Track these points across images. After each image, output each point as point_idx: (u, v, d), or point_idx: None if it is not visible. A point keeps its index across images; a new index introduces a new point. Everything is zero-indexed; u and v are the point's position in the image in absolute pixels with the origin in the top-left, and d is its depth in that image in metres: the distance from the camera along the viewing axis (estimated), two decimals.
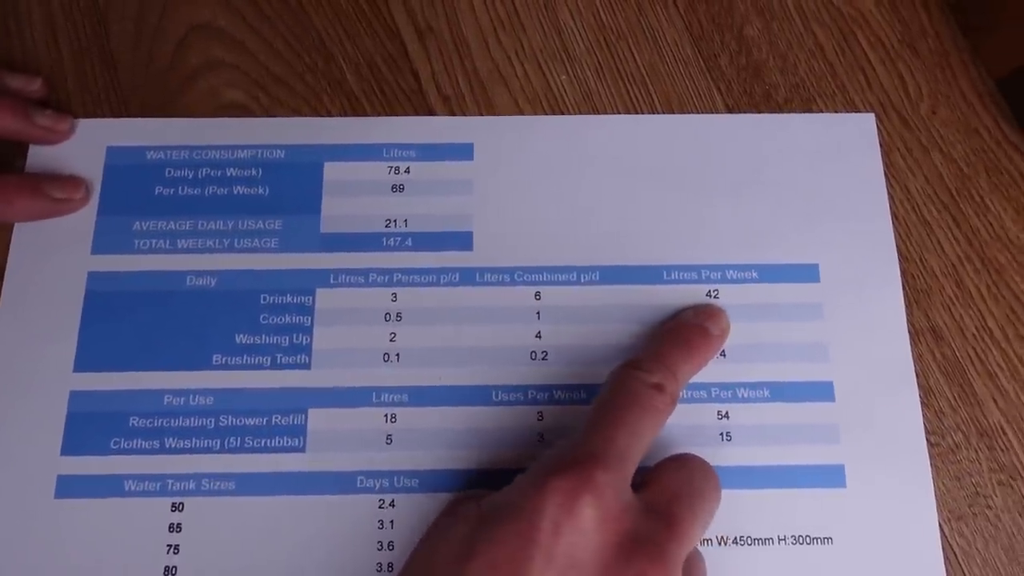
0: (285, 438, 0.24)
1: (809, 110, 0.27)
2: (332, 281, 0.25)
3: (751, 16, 0.29)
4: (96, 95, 0.27)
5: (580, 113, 0.27)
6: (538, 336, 0.25)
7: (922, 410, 0.24)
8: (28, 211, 0.25)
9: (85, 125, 0.27)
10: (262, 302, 0.25)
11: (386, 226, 0.26)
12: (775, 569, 0.22)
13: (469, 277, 0.25)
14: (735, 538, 0.23)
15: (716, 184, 0.26)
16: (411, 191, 0.26)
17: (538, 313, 0.25)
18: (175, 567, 0.22)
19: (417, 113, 0.27)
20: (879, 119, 0.27)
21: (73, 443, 0.23)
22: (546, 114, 0.27)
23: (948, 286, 0.26)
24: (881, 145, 0.27)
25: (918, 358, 0.25)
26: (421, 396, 0.24)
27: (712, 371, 0.24)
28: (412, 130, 0.27)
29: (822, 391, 0.24)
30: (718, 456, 0.23)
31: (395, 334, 0.25)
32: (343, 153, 0.27)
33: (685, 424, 0.24)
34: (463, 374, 0.24)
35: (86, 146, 0.27)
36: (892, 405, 0.24)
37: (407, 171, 0.27)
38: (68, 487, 0.23)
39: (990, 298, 0.26)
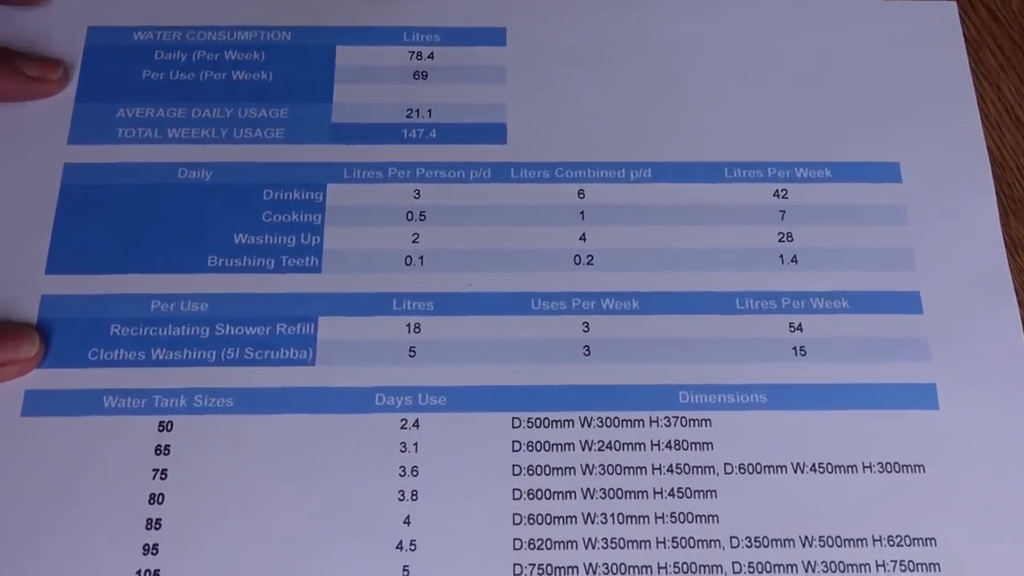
0: (292, 349, 0.20)
1: None
2: (345, 176, 0.22)
3: None
4: None
5: None
6: (582, 238, 0.21)
7: (1022, 327, 0.21)
8: None
9: (63, 2, 0.23)
10: (265, 198, 0.22)
11: (407, 116, 0.23)
12: (859, 500, 0.19)
13: (503, 173, 0.22)
14: (813, 465, 0.20)
15: (784, 74, 0.23)
16: (435, 78, 0.23)
17: (582, 213, 0.22)
18: (162, 494, 0.19)
19: None
20: (964, 12, 0.24)
21: (44, 354, 0.20)
22: None
23: None
24: (969, 41, 0.24)
25: (1016, 272, 0.22)
26: (448, 304, 0.21)
27: (783, 278, 0.21)
28: (437, 11, 0.24)
29: (908, 302, 0.21)
30: (792, 374, 0.20)
31: (418, 235, 0.21)
32: (358, 36, 0.23)
33: (753, 337, 0.21)
34: (496, 280, 0.21)
35: (64, 25, 0.23)
36: (988, 320, 0.21)
37: (431, 56, 0.23)
38: (37, 403, 0.20)
39: None
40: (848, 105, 0.23)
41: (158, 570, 0.19)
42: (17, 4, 0.23)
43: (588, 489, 0.19)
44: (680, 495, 0.19)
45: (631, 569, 0.19)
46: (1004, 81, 0.24)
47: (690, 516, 0.19)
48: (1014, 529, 0.19)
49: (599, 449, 0.20)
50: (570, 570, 0.19)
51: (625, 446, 0.20)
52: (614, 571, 0.19)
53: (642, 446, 0.20)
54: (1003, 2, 0.25)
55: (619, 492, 0.19)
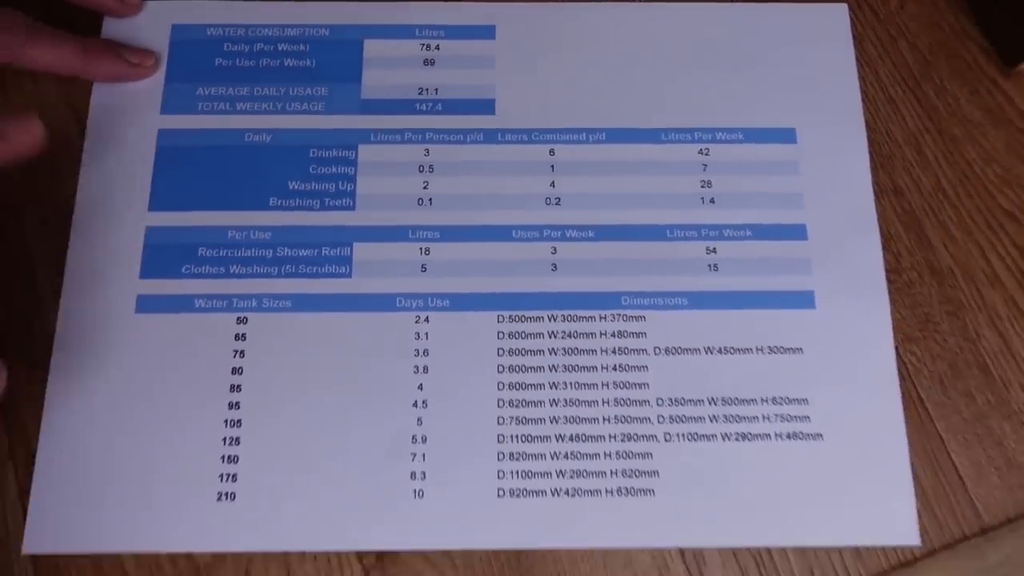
0: (333, 266, 0.27)
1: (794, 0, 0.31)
2: (372, 139, 0.29)
3: None
4: None
5: (588, 1, 0.31)
6: (552, 185, 0.28)
7: (883, 253, 0.28)
8: (109, 72, 0.28)
9: (152, 6, 0.30)
10: (311, 155, 0.29)
11: (419, 94, 0.29)
12: (752, 372, 0.26)
13: (492, 136, 0.29)
14: (719, 348, 0.27)
15: (709, 60, 0.30)
16: (441, 65, 0.30)
17: (552, 166, 0.29)
18: (241, 367, 0.26)
19: None
20: (853, 11, 0.31)
21: (150, 268, 0.27)
22: (559, 1, 0.31)
23: (909, 152, 0.30)
24: (855, 35, 0.31)
25: (881, 212, 0.29)
26: (450, 233, 0.28)
27: (703, 214, 0.28)
28: (442, 13, 0.31)
29: (797, 231, 0.28)
30: (707, 284, 0.27)
31: (427, 183, 0.28)
32: (380, 32, 0.30)
33: (678, 258, 0.28)
34: (486, 216, 0.28)
35: (153, 24, 0.30)
36: (857, 247, 0.28)
37: (437, 48, 0.30)
38: (147, 304, 0.27)
39: (945, 163, 0.30)
40: (758, 84, 0.30)
41: (240, 419, 0.26)
42: (122, 15, 0.30)
43: (553, 365, 0.26)
44: (620, 369, 0.26)
45: (583, 420, 0.26)
46: (881, 67, 0.31)
47: (627, 384, 0.26)
48: (865, 392, 0.26)
49: (561, 337, 0.27)
50: (538, 421, 0.26)
51: (581, 335, 0.27)
52: (571, 422, 0.26)
53: (593, 335, 0.27)
54: (884, 4, 0.31)
55: (575, 367, 0.26)
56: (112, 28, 0.30)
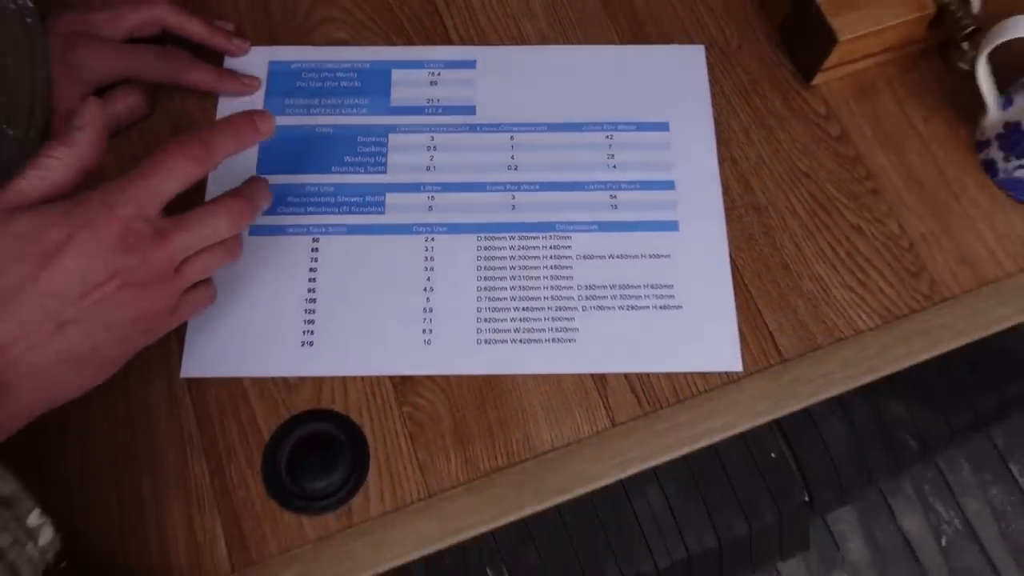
0: (372, 207, 0.43)
1: (670, 42, 0.48)
2: (397, 130, 0.45)
3: None
4: (260, 32, 0.48)
5: (530, 44, 0.48)
6: (512, 158, 0.44)
7: (722, 198, 0.44)
8: (232, 89, 0.45)
9: (257, 49, 0.47)
10: (358, 140, 0.45)
11: (427, 102, 0.46)
12: (637, 269, 0.42)
13: (473, 128, 0.45)
14: (619, 255, 0.42)
15: (614, 80, 0.46)
16: (441, 84, 0.46)
17: (512, 146, 0.45)
18: (315, 267, 0.42)
19: (443, 44, 0.48)
20: (707, 49, 0.48)
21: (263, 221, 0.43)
22: (518, 46, 0.48)
23: (741, 136, 0.46)
24: (708, 64, 0.47)
25: (722, 173, 0.45)
26: (447, 187, 0.44)
27: (608, 175, 0.44)
28: (441, 52, 0.47)
29: (668, 185, 0.44)
30: (611, 216, 0.43)
31: (432, 157, 0.44)
32: (402, 65, 0.47)
33: (593, 201, 0.43)
34: (470, 176, 0.44)
35: (258, 61, 0.47)
36: (705, 194, 0.44)
37: (438, 74, 0.47)
38: (256, 230, 0.42)
39: (764, 143, 0.46)
40: (646, 94, 0.46)
41: (315, 298, 0.41)
42: (236, 55, 0.46)
43: (512, 266, 0.42)
44: (555, 268, 0.42)
45: (531, 299, 0.41)
46: (724, 83, 0.47)
47: (559, 276, 0.42)
48: (709, 281, 0.42)
49: (518, 250, 0.42)
50: (503, 299, 0.41)
51: (530, 248, 0.42)
52: (524, 299, 0.41)
53: (537, 248, 0.42)
54: (727, 44, 0.48)
55: (527, 267, 0.42)
56: (231, 63, 0.46)
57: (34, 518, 0.28)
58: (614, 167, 0.44)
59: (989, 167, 0.44)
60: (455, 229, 0.43)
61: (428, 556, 0.39)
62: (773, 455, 0.46)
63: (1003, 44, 0.41)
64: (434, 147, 0.45)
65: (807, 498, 0.46)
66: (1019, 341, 0.49)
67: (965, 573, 0.60)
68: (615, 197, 0.44)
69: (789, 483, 0.45)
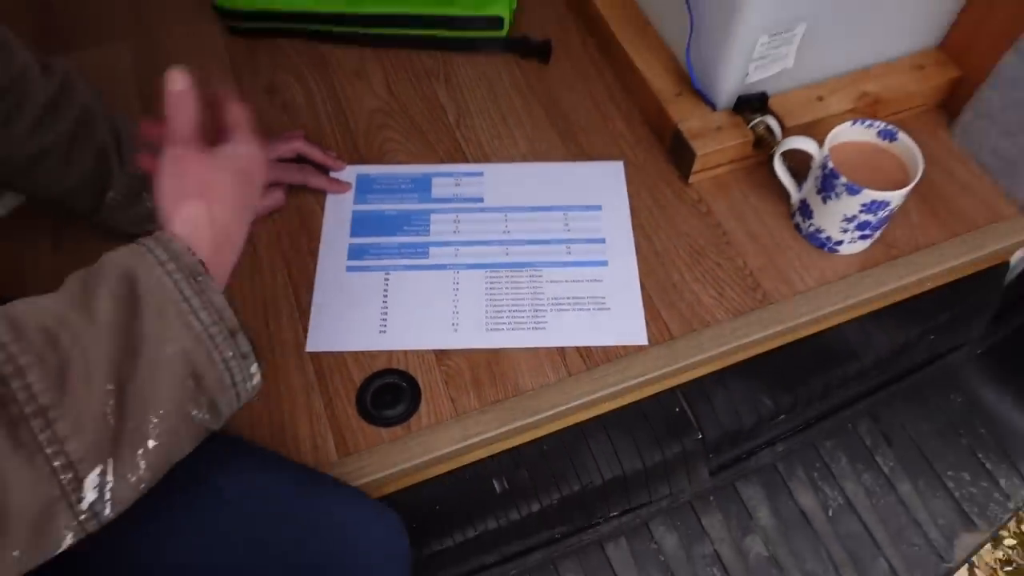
0: (420, 255, 0.71)
1: (603, 159, 0.78)
2: (436, 212, 0.74)
3: (578, 114, 0.80)
4: (351, 156, 0.77)
5: (516, 162, 0.77)
6: (506, 227, 0.73)
7: (634, 247, 0.71)
8: (336, 189, 0.74)
9: (349, 168, 0.77)
10: (411, 218, 0.73)
11: (453, 196, 0.75)
12: (583, 289, 0.69)
13: (482, 210, 0.74)
14: (572, 280, 0.69)
15: (566, 182, 0.76)
16: (462, 186, 0.76)
17: (506, 220, 0.73)
18: (387, 290, 0.69)
19: (463, 162, 0.77)
20: (626, 164, 0.78)
21: (352, 256, 0.71)
22: (509, 163, 0.77)
23: (646, 212, 0.74)
24: (625, 171, 0.77)
25: (635, 234, 0.72)
26: (466, 243, 0.72)
27: (564, 234, 0.72)
28: (461, 168, 0.77)
29: (602, 240, 0.72)
30: (567, 258, 0.70)
31: (457, 227, 0.73)
32: (438, 175, 0.76)
33: (552, 251, 0.71)
34: (480, 237, 0.72)
35: (349, 174, 0.76)
36: (624, 244, 0.72)
37: (460, 180, 0.76)
38: (352, 268, 0.70)
39: (661, 217, 0.74)
40: (588, 190, 0.75)
41: (387, 301, 0.68)
42: (339, 170, 0.76)
43: (507, 287, 0.69)
44: (533, 288, 0.69)
45: (517, 309, 0.68)
46: (632, 183, 0.76)
47: (536, 292, 0.69)
48: (624, 295, 0.68)
49: (511, 278, 0.69)
50: (501, 305, 0.68)
51: (518, 276, 0.69)
52: (514, 309, 0.68)
53: (522, 277, 0.69)
54: (639, 160, 0.78)
55: (516, 287, 0.69)
56: (334, 174, 0.76)
57: (255, 368, 0.49)
58: (568, 231, 0.73)
59: (797, 227, 0.72)
60: (471, 267, 0.70)
61: (452, 471, 0.63)
62: (677, 410, 0.70)
63: (793, 152, 0.70)
64: (458, 221, 0.73)
65: (700, 436, 0.70)
66: (835, 339, 0.74)
67: (847, 536, 0.82)
68: (569, 248, 0.72)
69: (688, 427, 0.69)
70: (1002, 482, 0.85)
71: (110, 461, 0.38)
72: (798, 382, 0.73)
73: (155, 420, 0.40)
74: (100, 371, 0.38)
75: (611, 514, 0.73)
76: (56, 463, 0.36)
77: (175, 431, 0.41)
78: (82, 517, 0.37)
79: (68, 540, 0.37)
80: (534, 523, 0.67)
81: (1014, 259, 0.78)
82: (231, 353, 0.43)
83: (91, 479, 0.37)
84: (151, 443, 0.40)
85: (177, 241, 0.43)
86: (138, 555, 0.47)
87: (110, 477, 0.38)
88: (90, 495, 0.37)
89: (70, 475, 0.36)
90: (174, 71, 0.47)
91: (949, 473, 0.85)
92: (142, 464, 0.39)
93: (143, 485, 0.40)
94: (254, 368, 0.45)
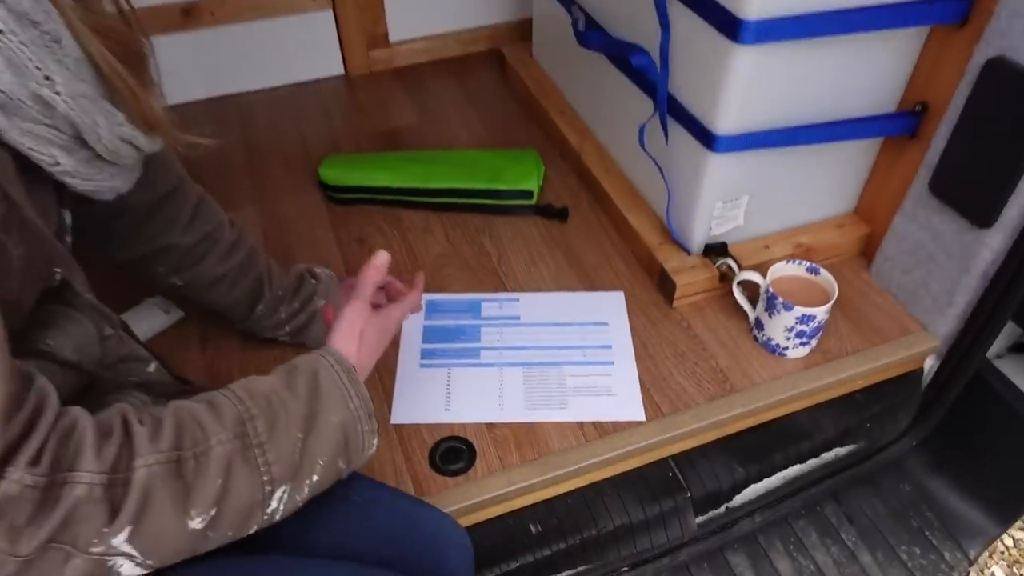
0: (474, 357, 0.95)
1: (607, 289, 1.04)
2: (484, 327, 0.99)
3: (588, 257, 1.07)
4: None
5: (542, 292, 1.04)
6: (537, 340, 0.98)
7: (633, 352, 0.96)
8: (415, 310, 1.00)
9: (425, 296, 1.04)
10: (466, 329, 0.99)
11: (496, 316, 1.01)
12: (595, 382, 0.92)
13: (519, 325, 0.99)
14: (586, 374, 0.93)
15: (580, 306, 1.02)
16: (503, 307, 1.02)
17: (537, 334, 0.98)
18: (449, 381, 0.92)
19: (503, 291, 1.04)
20: (626, 293, 1.04)
21: (424, 357, 0.95)
22: (538, 292, 1.04)
23: (642, 328, 0.99)
24: (626, 298, 1.03)
25: (634, 342, 0.97)
26: (508, 348, 0.96)
27: (581, 342, 0.97)
28: (502, 295, 1.03)
29: (609, 346, 0.96)
30: (583, 358, 0.94)
31: (501, 336, 0.98)
32: (486, 300, 1.03)
33: (572, 354, 0.95)
34: (518, 344, 0.97)
35: (422, 298, 1.03)
36: (625, 350, 0.96)
37: (502, 303, 1.02)
38: (424, 365, 0.94)
39: (653, 331, 0.99)
40: (598, 311, 1.01)
41: (451, 393, 0.91)
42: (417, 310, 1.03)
43: (539, 380, 0.92)
44: (559, 381, 0.92)
45: (547, 392, 0.91)
46: (633, 305, 1.02)
47: (561, 384, 0.92)
48: (626, 384, 0.92)
49: (541, 373, 0.93)
50: (535, 392, 0.91)
51: (547, 372, 0.93)
52: (544, 393, 0.91)
53: (549, 373, 0.93)
54: (633, 289, 1.04)
55: (546, 381, 0.92)
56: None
57: (376, 440, 0.69)
58: (583, 340, 0.97)
59: (754, 337, 0.97)
60: (512, 365, 0.94)
61: (499, 516, 0.84)
62: (670, 474, 0.91)
63: (748, 282, 0.96)
64: (501, 333, 0.98)
65: (688, 494, 0.90)
66: (790, 423, 0.96)
67: None
68: (584, 352, 0.96)
69: (678, 486, 0.90)
70: (947, 555, 1.02)
71: (290, 484, 0.59)
72: (763, 455, 0.94)
73: (319, 463, 0.60)
74: (295, 425, 0.58)
75: (622, 568, 0.91)
76: (264, 479, 0.57)
77: (328, 472, 0.61)
78: (266, 516, 0.58)
79: (254, 528, 0.58)
80: (562, 559, 0.85)
81: (927, 366, 1.01)
82: (367, 427, 0.62)
83: (278, 494, 0.58)
84: (315, 477, 0.60)
85: (342, 353, 0.65)
86: (292, 533, 0.67)
87: (287, 494, 0.58)
88: (274, 503, 0.58)
89: (269, 488, 0.57)
90: (381, 252, 0.75)
91: (903, 548, 1.03)
92: (306, 490, 0.60)
93: (302, 502, 0.60)
94: (375, 440, 0.64)
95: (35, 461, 0.45)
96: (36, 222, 0.54)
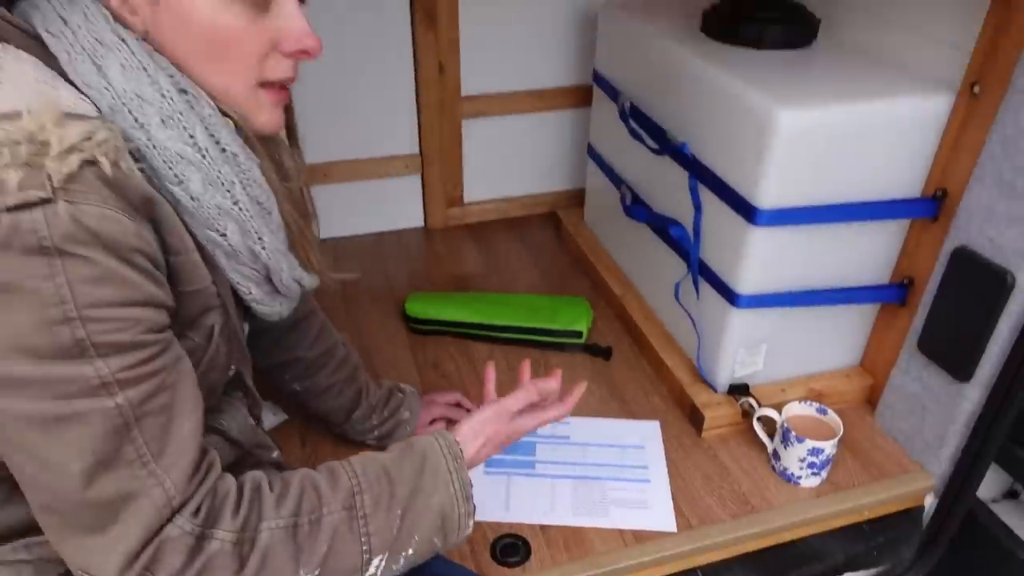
0: (530, 468, 1.12)
1: (645, 419, 1.21)
2: (539, 444, 1.16)
3: (629, 391, 1.25)
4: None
5: (589, 417, 1.21)
6: (584, 457, 1.14)
7: (666, 469, 1.11)
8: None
9: None
10: (524, 446, 1.16)
11: (551, 433, 1.18)
12: (632, 495, 1.07)
13: (571, 444, 1.16)
14: (624, 490, 1.08)
15: (619, 431, 1.19)
16: (556, 429, 1.19)
17: (584, 449, 1.15)
18: (509, 489, 1.09)
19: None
20: (661, 422, 1.21)
21: (487, 465, 1.12)
22: (586, 417, 1.21)
23: (674, 452, 1.15)
24: (661, 426, 1.20)
25: (667, 460, 1.13)
26: (559, 464, 1.13)
27: (620, 461, 1.13)
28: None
29: (645, 467, 1.12)
30: (623, 475, 1.10)
31: (555, 450, 1.15)
32: (537, 438, 1.21)
33: (615, 472, 1.11)
34: (568, 460, 1.13)
35: None
36: (659, 469, 1.12)
37: (555, 426, 1.20)
38: (487, 473, 1.11)
39: (686, 457, 1.15)
40: (636, 435, 1.17)
41: (509, 493, 1.07)
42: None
43: (585, 493, 1.08)
44: (602, 495, 1.08)
45: (593, 503, 1.06)
46: (667, 432, 1.18)
47: (604, 498, 1.08)
48: (662, 494, 1.07)
49: (586, 487, 1.09)
50: (582, 502, 1.06)
51: (592, 487, 1.09)
52: (589, 504, 1.06)
53: (593, 488, 1.09)
54: (667, 421, 1.21)
55: (590, 495, 1.08)
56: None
57: (472, 522, 0.83)
58: (623, 459, 1.14)
59: (772, 467, 1.12)
60: (562, 477, 1.10)
61: None
62: None
63: (766, 418, 1.13)
64: (554, 449, 1.15)
65: None
66: (805, 546, 1.09)
67: None
68: (624, 470, 1.12)
69: None
70: None
71: (387, 554, 0.69)
72: (780, 573, 1.06)
73: (416, 539, 0.67)
74: (397, 502, 0.66)
75: None
76: (364, 547, 0.66)
77: (423, 548, 0.68)
78: None
79: None
80: None
81: (927, 503, 1.14)
82: (464, 510, 0.71)
83: (375, 562, 0.69)
84: (409, 551, 0.67)
85: (454, 438, 0.75)
86: None
87: (384, 562, 0.65)
88: (371, 569, 0.69)
89: (367, 556, 0.68)
90: (557, 375, 0.89)
91: None
92: (402, 560, 0.73)
93: (399, 571, 0.68)
94: (471, 521, 0.72)
95: (195, 513, 0.58)
96: (239, 331, 0.75)
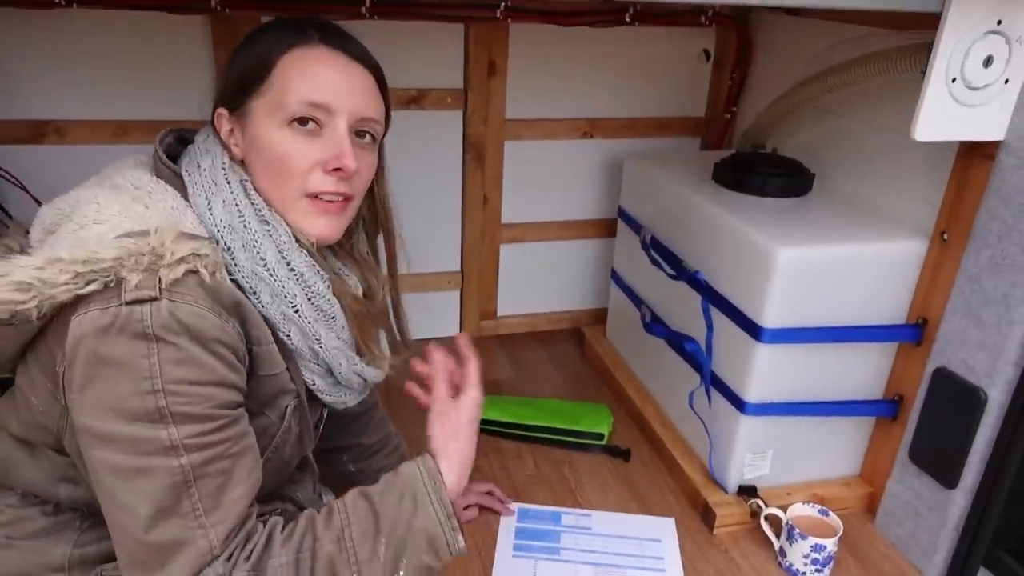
0: (554, 553, 1.22)
1: (661, 515, 1.32)
2: (564, 532, 1.27)
3: (646, 491, 1.36)
4: (513, 495, 1.34)
5: (610, 511, 1.32)
6: (604, 547, 1.24)
7: (681, 559, 1.21)
8: (505, 513, 1.29)
9: (513, 504, 1.33)
10: (550, 532, 1.26)
11: (574, 524, 1.28)
12: None
13: (590, 535, 1.27)
14: None
15: (638, 525, 1.29)
16: (579, 520, 1.30)
17: (605, 542, 1.25)
18: (534, 566, 1.19)
19: (579, 507, 1.33)
20: (676, 520, 1.31)
21: (515, 549, 1.22)
22: (606, 511, 1.32)
23: (686, 547, 1.25)
24: (676, 525, 1.30)
25: (682, 554, 1.22)
26: (581, 551, 1.23)
27: (639, 553, 1.23)
28: (578, 511, 1.32)
29: (661, 559, 1.22)
30: (641, 564, 1.20)
31: (577, 540, 1.25)
32: (566, 512, 1.31)
33: (634, 562, 1.21)
34: (591, 549, 1.23)
35: (512, 507, 1.32)
36: (674, 564, 1.21)
37: (578, 518, 1.31)
38: (515, 556, 1.21)
39: (698, 552, 1.24)
40: (652, 529, 1.28)
41: (535, 570, 1.17)
42: (507, 504, 1.32)
43: (605, 572, 1.18)
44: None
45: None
46: (680, 527, 1.28)
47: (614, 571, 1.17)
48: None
49: (605, 571, 1.19)
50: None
51: (611, 570, 1.19)
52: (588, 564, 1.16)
53: (613, 572, 1.19)
54: (680, 520, 1.31)
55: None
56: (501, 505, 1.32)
57: (461, 538, 0.74)
58: (640, 551, 1.23)
59: (779, 563, 1.21)
60: (584, 563, 1.20)
61: None
62: None
63: (773, 517, 1.24)
64: (576, 538, 1.26)
65: None
66: None
67: None
68: (641, 561, 1.21)
69: None
70: None
71: None
72: None
73: (404, 561, 0.71)
74: (382, 532, 0.71)
75: None
76: (355, 574, 0.69)
77: (416, 568, 0.72)
78: None
79: None
80: None
81: None
82: (450, 527, 0.73)
83: None
84: (400, 573, 0.72)
85: (433, 461, 0.77)
86: None
87: None
88: None
89: None
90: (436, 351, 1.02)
91: None
92: None
93: None
94: (460, 538, 0.74)
95: (228, 559, 0.67)
96: (307, 414, 0.90)
